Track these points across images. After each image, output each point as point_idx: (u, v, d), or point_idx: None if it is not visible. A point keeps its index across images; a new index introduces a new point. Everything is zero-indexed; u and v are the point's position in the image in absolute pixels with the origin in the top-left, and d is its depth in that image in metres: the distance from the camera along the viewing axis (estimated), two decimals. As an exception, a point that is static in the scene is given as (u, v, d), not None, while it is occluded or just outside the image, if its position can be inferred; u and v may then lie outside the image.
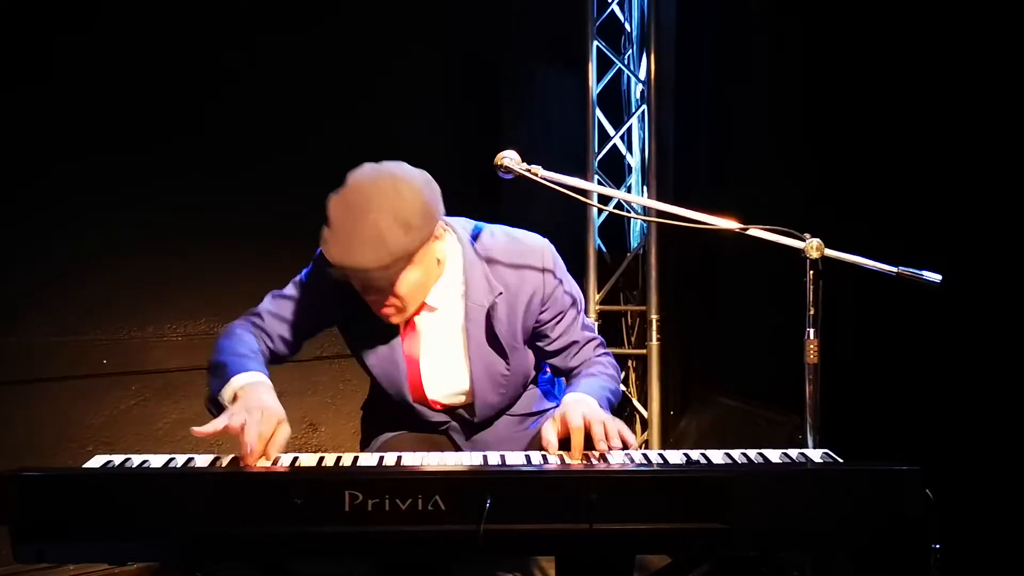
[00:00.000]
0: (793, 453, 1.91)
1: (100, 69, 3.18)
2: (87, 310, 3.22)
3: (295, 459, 1.90)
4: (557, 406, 2.12)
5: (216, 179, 3.41)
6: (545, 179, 2.21)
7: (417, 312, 2.11)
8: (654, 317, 4.03)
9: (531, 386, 2.33)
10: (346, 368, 3.72)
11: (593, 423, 1.88)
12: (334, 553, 2.21)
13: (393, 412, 2.25)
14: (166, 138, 3.29)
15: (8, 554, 1.65)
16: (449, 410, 2.24)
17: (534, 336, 2.19)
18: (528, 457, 1.93)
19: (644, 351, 4.07)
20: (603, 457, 1.90)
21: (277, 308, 2.19)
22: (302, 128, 3.56)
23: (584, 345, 2.21)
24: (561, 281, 2.17)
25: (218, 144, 3.40)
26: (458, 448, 2.25)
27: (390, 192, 1.93)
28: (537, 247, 2.17)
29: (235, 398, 1.93)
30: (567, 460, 1.90)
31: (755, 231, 2.03)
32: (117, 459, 1.86)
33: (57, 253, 3.15)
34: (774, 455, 1.90)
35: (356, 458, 1.88)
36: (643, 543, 1.74)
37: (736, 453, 1.91)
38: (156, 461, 1.86)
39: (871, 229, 2.79)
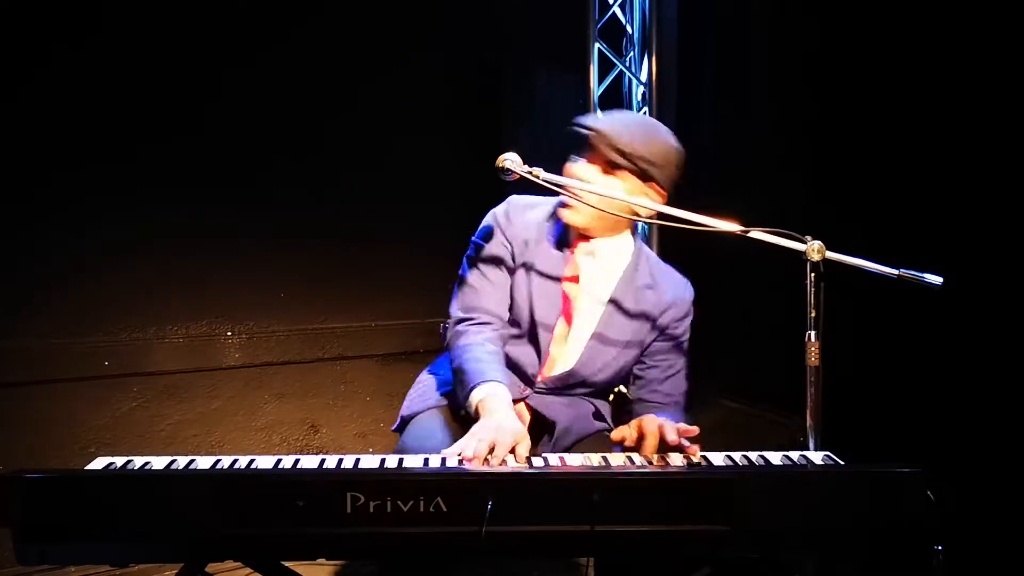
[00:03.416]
0: (794, 455, 1.91)
1: (99, 73, 3.17)
2: (88, 312, 3.22)
3: (296, 461, 1.90)
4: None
5: (217, 180, 3.41)
6: (547, 181, 2.22)
7: (585, 238, 2.33)
8: (655, 319, 4.03)
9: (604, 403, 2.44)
10: (347, 370, 3.73)
11: (667, 428, 1.98)
12: (336, 555, 2.22)
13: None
14: (166, 139, 3.28)
15: (11, 556, 1.66)
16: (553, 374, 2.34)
17: (643, 351, 2.37)
18: (528, 459, 1.93)
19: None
20: (605, 459, 1.92)
21: (482, 286, 2.33)
22: (303, 130, 3.56)
23: (670, 380, 2.40)
24: (691, 318, 2.40)
25: (219, 145, 3.40)
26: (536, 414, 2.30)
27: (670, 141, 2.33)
28: (686, 283, 2.42)
29: (477, 411, 2.08)
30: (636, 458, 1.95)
31: (756, 233, 2.03)
32: (119, 461, 1.86)
33: (58, 255, 3.15)
34: (775, 457, 1.90)
35: (357, 460, 1.88)
36: (644, 545, 1.74)
37: (737, 455, 1.91)
38: (158, 463, 1.86)
39: (872, 231, 2.79)
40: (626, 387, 2.47)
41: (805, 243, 1.97)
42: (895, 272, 1.95)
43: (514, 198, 2.41)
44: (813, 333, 1.96)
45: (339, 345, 3.70)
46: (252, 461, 1.88)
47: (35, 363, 3.13)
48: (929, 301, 2.02)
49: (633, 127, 2.28)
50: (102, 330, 3.26)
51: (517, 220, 2.35)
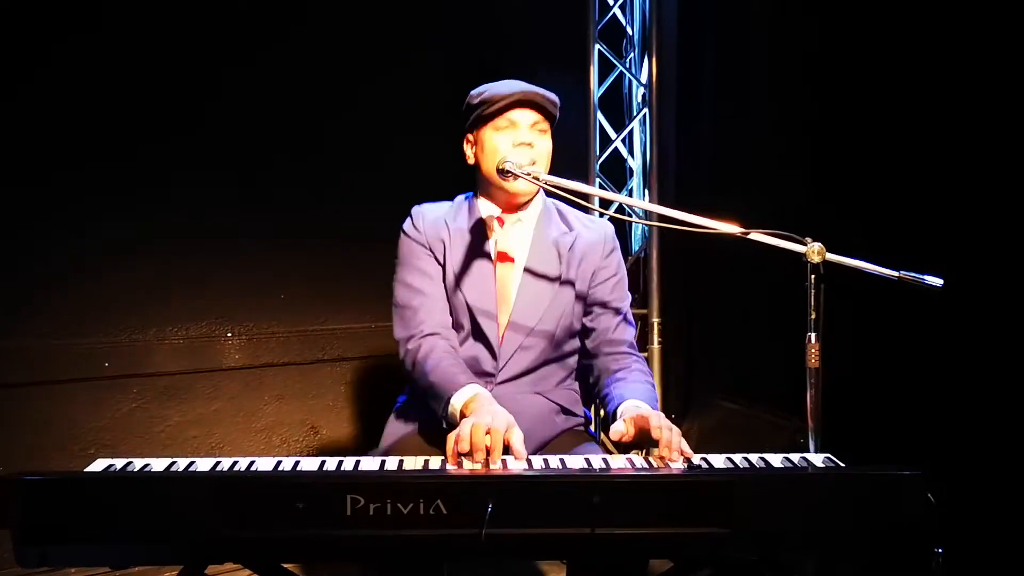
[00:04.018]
0: (795, 457, 1.91)
1: (99, 73, 3.17)
2: (88, 313, 3.22)
3: (296, 463, 1.90)
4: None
5: (217, 181, 3.41)
6: (547, 182, 2.22)
7: (506, 214, 2.35)
8: (655, 321, 4.03)
9: (570, 381, 2.40)
10: (348, 371, 3.73)
11: (669, 430, 1.97)
12: (336, 557, 2.22)
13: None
14: (166, 139, 3.28)
15: (10, 557, 1.65)
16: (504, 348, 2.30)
17: (585, 302, 2.35)
18: (529, 461, 1.93)
19: (646, 354, 4.07)
20: (605, 461, 1.91)
21: (419, 302, 2.32)
22: (303, 130, 3.56)
23: (621, 326, 2.34)
24: (618, 254, 2.39)
25: (219, 146, 3.40)
26: None
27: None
28: (605, 221, 2.44)
29: (462, 415, 2.04)
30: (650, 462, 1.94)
31: (756, 235, 2.03)
32: (119, 463, 1.86)
33: (58, 256, 3.15)
34: (775, 459, 1.90)
35: (358, 462, 1.88)
36: (645, 547, 1.74)
37: (738, 457, 1.91)
38: (158, 464, 1.86)
39: (872, 231, 2.79)
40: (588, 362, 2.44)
41: (805, 245, 1.96)
42: (895, 274, 1.95)
43: (414, 208, 2.44)
44: (813, 335, 1.96)
45: (339, 346, 3.70)
46: (252, 463, 1.88)
47: (35, 363, 3.13)
48: (929, 302, 2.02)
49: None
50: (102, 331, 3.25)
51: (425, 223, 2.37)
